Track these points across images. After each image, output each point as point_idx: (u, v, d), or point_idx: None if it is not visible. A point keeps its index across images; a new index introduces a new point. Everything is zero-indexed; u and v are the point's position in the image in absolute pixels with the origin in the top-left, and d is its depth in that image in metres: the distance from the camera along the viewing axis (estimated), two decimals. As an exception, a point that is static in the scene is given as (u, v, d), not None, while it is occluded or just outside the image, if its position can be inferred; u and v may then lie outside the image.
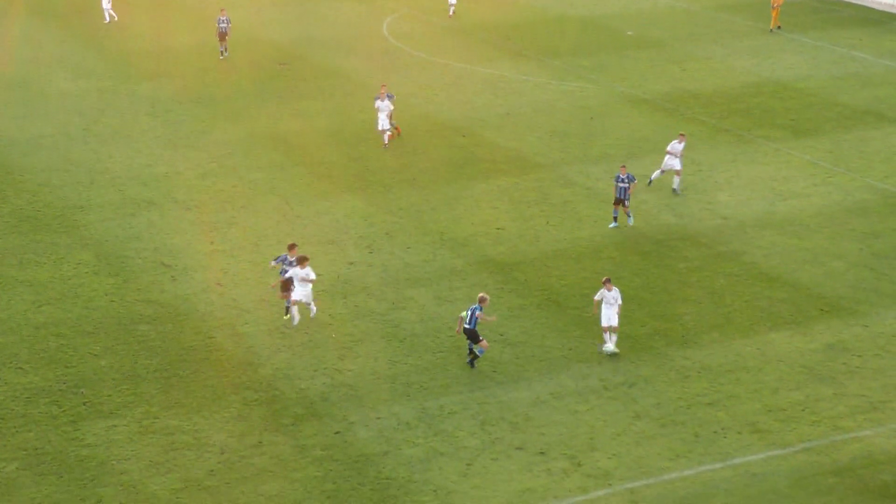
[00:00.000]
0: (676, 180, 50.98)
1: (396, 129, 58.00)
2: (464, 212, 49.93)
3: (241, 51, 73.08)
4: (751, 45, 75.76)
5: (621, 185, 47.00)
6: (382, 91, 57.11)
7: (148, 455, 33.42)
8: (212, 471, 32.78)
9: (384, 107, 56.81)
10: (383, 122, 56.95)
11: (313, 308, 39.83)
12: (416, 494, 31.79)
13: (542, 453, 33.44)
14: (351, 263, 45.31)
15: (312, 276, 39.26)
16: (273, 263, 40.88)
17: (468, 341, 37.62)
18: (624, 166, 48.03)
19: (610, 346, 38.41)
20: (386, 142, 56.98)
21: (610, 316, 38.32)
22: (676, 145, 51.07)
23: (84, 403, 35.70)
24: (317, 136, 59.06)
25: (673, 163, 51.08)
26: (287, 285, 40.05)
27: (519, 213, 49.71)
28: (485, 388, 36.53)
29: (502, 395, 36.30)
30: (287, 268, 40.03)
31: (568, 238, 47.16)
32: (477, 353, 37.50)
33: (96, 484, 32.14)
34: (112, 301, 42.13)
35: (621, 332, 39.38)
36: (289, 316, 40.08)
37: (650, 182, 51.77)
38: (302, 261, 39.39)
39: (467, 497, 31.61)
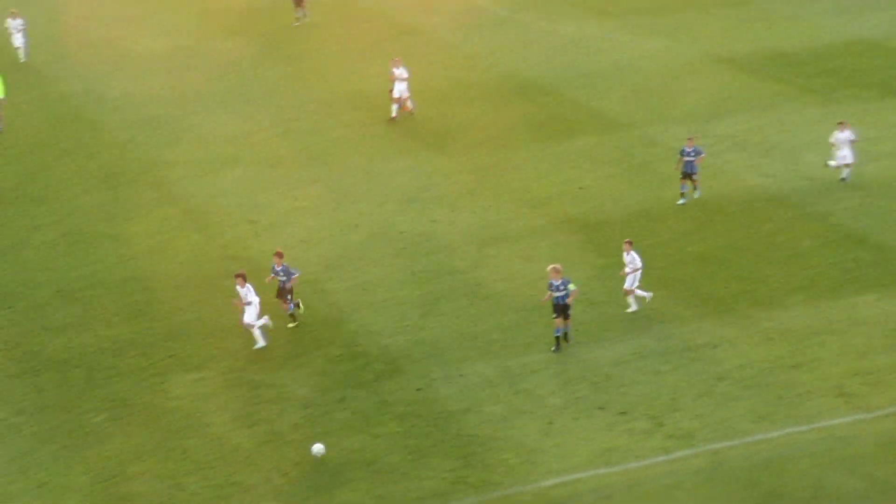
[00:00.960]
0: (846, 171, 48.54)
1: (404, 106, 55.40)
2: (546, 171, 49.82)
3: (323, 8, 73.19)
4: (838, 4, 74.59)
5: (688, 158, 46.04)
6: (399, 61, 55.24)
7: (233, 408, 33.85)
8: (295, 424, 33.14)
9: (400, 74, 54.72)
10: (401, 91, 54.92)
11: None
12: (498, 452, 31.93)
13: (623, 413, 33.42)
14: (433, 221, 45.41)
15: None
16: (269, 279, 38.16)
17: (555, 318, 36.38)
18: (691, 139, 46.61)
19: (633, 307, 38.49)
20: (394, 114, 54.99)
21: (627, 279, 38.34)
22: (839, 135, 48.72)
23: (171, 356, 36.19)
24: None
25: (845, 153, 48.56)
26: (283, 293, 37.64)
27: (601, 173, 49.52)
28: (565, 347, 36.52)
29: (584, 355, 36.28)
30: (284, 277, 37.47)
31: (651, 198, 46.89)
32: (558, 333, 36.31)
33: (182, 435, 32.63)
34: (197, 256, 42.62)
35: (703, 293, 39.17)
36: (294, 324, 37.95)
37: (831, 167, 49.22)
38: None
39: (548, 455, 31.69)
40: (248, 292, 36.59)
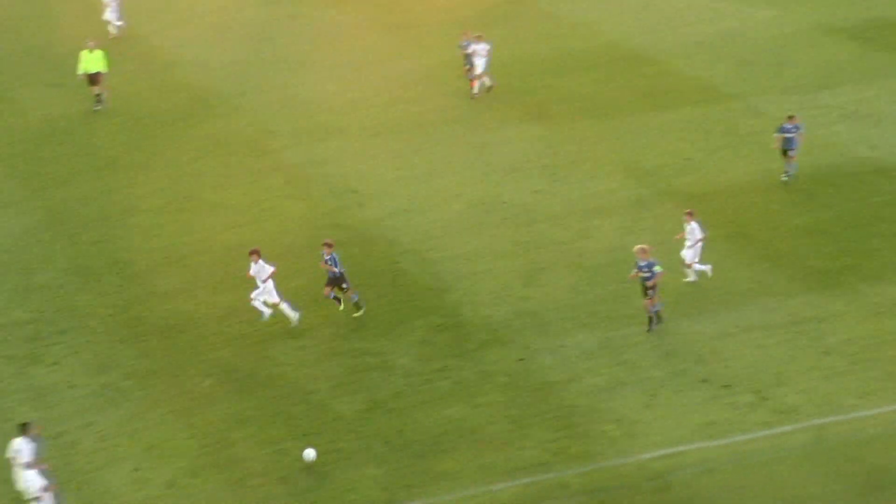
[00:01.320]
0: None
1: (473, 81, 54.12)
2: (650, 141, 49.42)
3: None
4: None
5: (788, 135, 45.16)
6: (470, 34, 54.42)
7: (335, 375, 34.14)
8: (397, 393, 33.33)
9: (482, 50, 53.49)
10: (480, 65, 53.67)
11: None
12: (599, 423, 31.86)
13: (727, 387, 33.14)
14: (535, 191, 45.30)
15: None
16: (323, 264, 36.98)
17: (644, 299, 35.86)
18: (792, 116, 45.76)
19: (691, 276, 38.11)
20: (476, 91, 53.93)
21: (687, 252, 37.91)
22: None
23: (274, 324, 36.53)
24: (503, 63, 58.89)
25: None
26: (332, 282, 36.67)
27: (707, 144, 49.01)
28: (669, 319, 36.28)
29: (687, 328, 36.02)
30: (333, 265, 36.38)
31: (757, 170, 46.30)
32: (650, 313, 35.85)
33: (286, 402, 32.98)
34: (301, 225, 42.96)
35: (810, 266, 38.69)
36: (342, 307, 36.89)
37: None
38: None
39: (650, 428, 31.56)
40: (260, 269, 35.97)
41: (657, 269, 35.49)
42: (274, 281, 36.16)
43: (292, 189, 45.74)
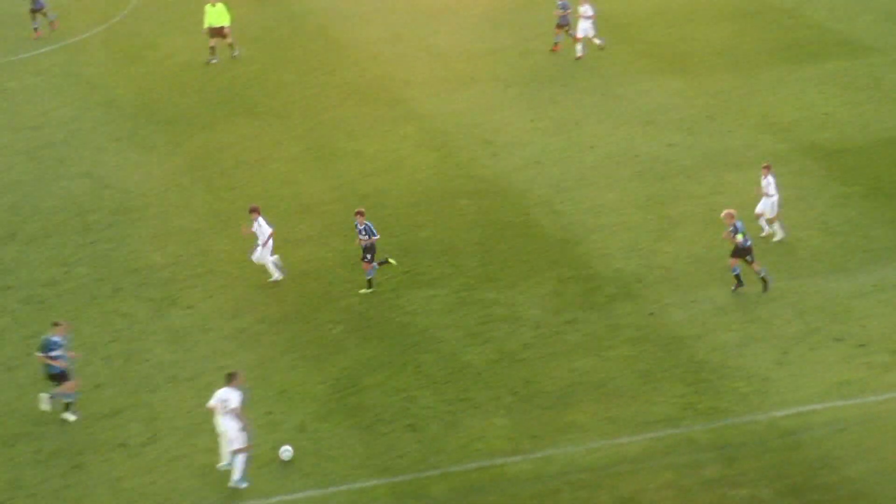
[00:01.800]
0: None
1: (556, 46, 53.38)
2: (789, 95, 48.58)
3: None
4: None
5: None
6: None
7: (465, 325, 34.30)
8: (526, 344, 33.40)
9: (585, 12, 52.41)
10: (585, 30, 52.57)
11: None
12: (730, 379, 31.58)
13: (862, 346, 32.60)
14: (670, 145, 44.87)
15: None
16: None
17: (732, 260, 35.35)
18: None
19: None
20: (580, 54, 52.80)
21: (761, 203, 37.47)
22: None
23: (405, 272, 36.81)
24: (642, 14, 58.34)
25: None
26: (365, 252, 35.80)
27: (848, 99, 48.02)
28: (804, 276, 35.78)
29: (822, 285, 35.47)
30: (365, 236, 35.50)
31: (899, 126, 45.33)
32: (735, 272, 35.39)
33: (416, 350, 33.25)
34: (434, 174, 43.11)
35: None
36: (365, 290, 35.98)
37: None
38: None
39: (782, 385, 31.20)
40: (260, 228, 35.70)
41: (740, 236, 34.82)
42: (273, 241, 36.05)
43: (426, 138, 45.90)
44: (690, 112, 47.43)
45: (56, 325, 30.37)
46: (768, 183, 37.59)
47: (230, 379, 27.93)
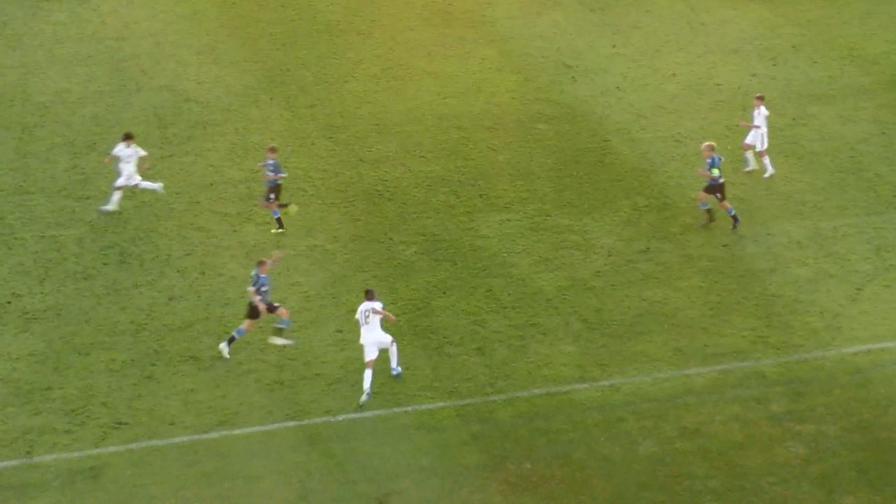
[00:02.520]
0: None
1: None
2: (877, 27, 47.69)
3: None
4: None
5: None
6: None
7: (537, 251, 34.29)
8: (598, 272, 33.33)
9: None
10: None
11: None
12: (802, 314, 31.36)
13: (938, 285, 32.24)
14: (753, 75, 44.30)
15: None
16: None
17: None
18: None
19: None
20: None
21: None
22: None
23: (480, 196, 36.80)
24: (729, -59, 57.41)
25: None
26: (270, 191, 34.71)
27: (938, 33, 47.09)
28: (883, 213, 35.33)
29: (901, 222, 35.05)
30: (272, 172, 34.54)
31: None
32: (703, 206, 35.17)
33: (487, 274, 33.30)
34: (513, 98, 42.91)
35: None
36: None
37: None
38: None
39: (854, 321, 30.93)
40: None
41: (715, 171, 34.42)
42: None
43: (506, 62, 45.66)
44: (775, 42, 46.74)
45: (261, 262, 30.02)
46: (759, 114, 36.87)
47: (369, 294, 28.69)
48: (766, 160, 37.21)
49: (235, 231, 35.12)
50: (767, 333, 30.67)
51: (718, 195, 34.65)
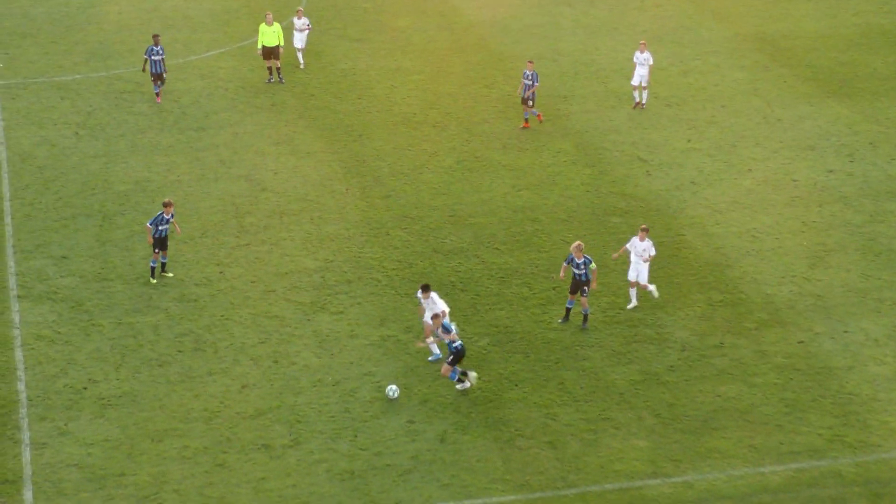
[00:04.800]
0: None
1: None
2: (956, 125, 47.39)
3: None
4: None
5: None
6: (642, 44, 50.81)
7: (610, 345, 34.13)
8: (671, 366, 33.11)
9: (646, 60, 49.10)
10: None
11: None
12: (880, 413, 30.91)
13: None
14: (830, 171, 44.11)
15: None
16: (149, 224, 36.85)
17: (570, 294, 35.19)
18: None
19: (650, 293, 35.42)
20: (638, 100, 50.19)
21: (639, 271, 35.27)
22: None
23: (553, 288, 36.76)
24: (805, 38, 57.46)
25: None
26: (159, 243, 36.79)
27: None
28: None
29: (981, 321, 34.52)
30: (163, 228, 36.46)
31: None
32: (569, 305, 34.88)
33: (559, 367, 33.18)
34: (587, 191, 42.99)
35: None
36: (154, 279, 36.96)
37: None
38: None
39: (933, 422, 30.46)
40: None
41: (592, 266, 34.14)
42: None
43: (580, 155, 45.80)
44: (852, 138, 46.56)
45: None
46: (648, 247, 35.48)
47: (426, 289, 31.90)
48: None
49: (309, 320, 35.31)
50: (844, 432, 30.24)
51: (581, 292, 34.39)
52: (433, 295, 32.91)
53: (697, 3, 62.47)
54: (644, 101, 49.65)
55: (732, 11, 61.15)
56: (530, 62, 47.81)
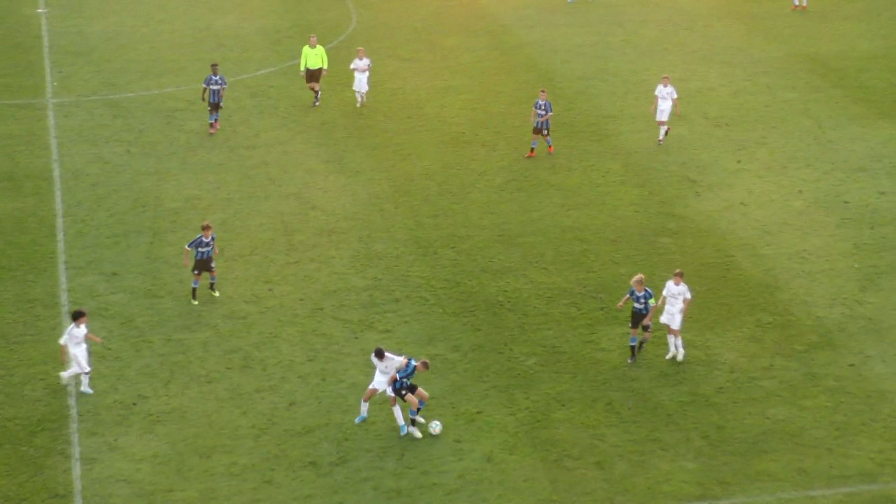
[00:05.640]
0: None
1: None
2: None
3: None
4: None
5: None
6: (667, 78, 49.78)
7: (659, 366, 33.99)
8: (720, 388, 32.94)
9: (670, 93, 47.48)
10: None
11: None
12: (931, 438, 30.63)
13: None
14: (882, 193, 43.80)
15: None
16: (187, 247, 36.88)
17: (631, 328, 34.63)
18: None
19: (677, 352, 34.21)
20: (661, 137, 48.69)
21: (672, 314, 33.80)
22: None
23: (601, 308, 36.68)
24: (857, 58, 57.17)
25: None
26: (199, 265, 36.76)
27: None
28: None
29: None
30: (203, 250, 36.53)
31: None
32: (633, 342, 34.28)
33: (607, 387, 33.08)
34: (636, 211, 42.88)
35: None
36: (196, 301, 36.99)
37: None
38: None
39: None
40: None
41: (651, 301, 33.52)
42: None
43: (629, 175, 45.72)
44: (905, 160, 46.27)
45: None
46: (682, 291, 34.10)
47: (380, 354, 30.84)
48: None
49: (357, 338, 35.39)
50: None
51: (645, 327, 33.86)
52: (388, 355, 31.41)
53: (748, 24, 62.29)
54: (663, 139, 47.72)
55: (784, 32, 60.93)
56: (543, 91, 46.99)
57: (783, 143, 48.24)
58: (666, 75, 48.69)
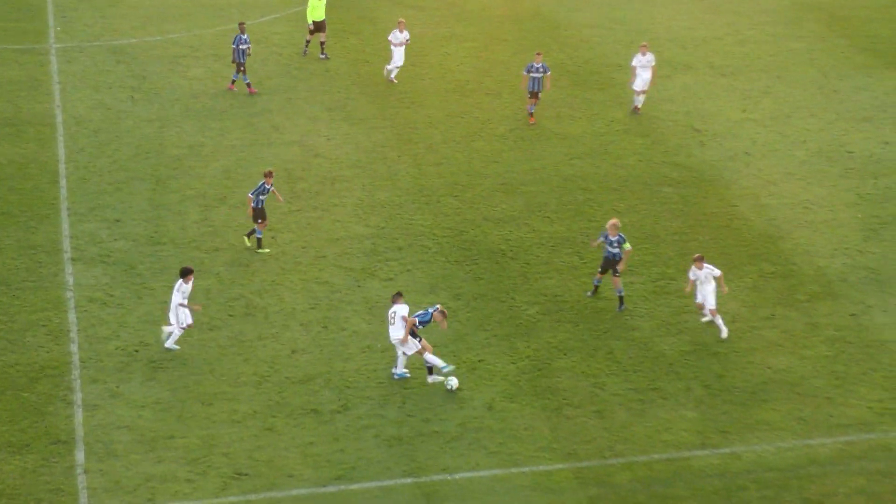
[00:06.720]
0: None
1: None
2: None
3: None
4: None
5: None
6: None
7: (660, 315, 34.03)
8: (722, 338, 32.95)
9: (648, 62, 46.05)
10: None
11: None
12: (931, 388, 30.70)
13: None
14: (886, 143, 43.79)
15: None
16: (250, 195, 36.87)
17: (600, 272, 33.39)
18: None
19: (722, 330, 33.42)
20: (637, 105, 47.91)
21: (705, 294, 32.96)
22: None
23: (594, 260, 36.62)
24: (863, 7, 56.85)
25: None
26: (258, 214, 36.71)
27: None
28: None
29: None
30: (263, 198, 36.37)
31: None
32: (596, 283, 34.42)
33: (609, 336, 33.13)
34: (639, 161, 42.80)
35: None
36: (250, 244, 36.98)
37: None
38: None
39: None
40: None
41: (626, 246, 33.56)
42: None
43: (633, 124, 45.59)
44: (909, 110, 46.11)
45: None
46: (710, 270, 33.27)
47: (397, 298, 31.07)
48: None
49: (359, 286, 35.42)
50: (895, 406, 30.02)
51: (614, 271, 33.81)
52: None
53: (755, -28, 61.92)
54: (640, 105, 46.17)
55: (790, -20, 60.58)
56: (538, 53, 45.05)
57: (788, 92, 48.07)
58: (644, 43, 46.66)
